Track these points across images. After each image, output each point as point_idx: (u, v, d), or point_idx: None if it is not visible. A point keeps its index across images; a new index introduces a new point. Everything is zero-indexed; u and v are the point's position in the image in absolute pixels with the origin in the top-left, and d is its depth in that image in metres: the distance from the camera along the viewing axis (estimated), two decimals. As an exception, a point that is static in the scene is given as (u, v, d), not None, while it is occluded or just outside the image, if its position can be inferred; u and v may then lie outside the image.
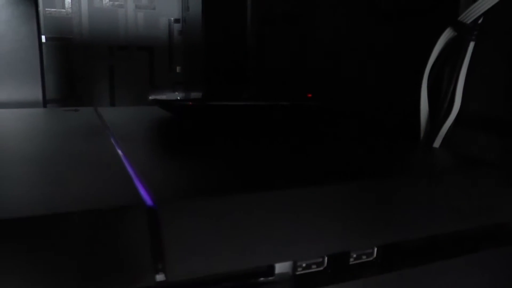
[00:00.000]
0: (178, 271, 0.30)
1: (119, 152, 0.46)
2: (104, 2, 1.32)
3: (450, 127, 0.49)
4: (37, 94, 0.88)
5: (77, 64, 1.32)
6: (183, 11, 1.36)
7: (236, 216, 0.32)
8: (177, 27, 1.38)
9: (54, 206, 0.30)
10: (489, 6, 0.44)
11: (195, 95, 0.68)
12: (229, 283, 0.33)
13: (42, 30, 1.16)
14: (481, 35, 0.46)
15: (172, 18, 1.38)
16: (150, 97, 0.68)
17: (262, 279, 0.34)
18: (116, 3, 1.33)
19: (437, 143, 0.50)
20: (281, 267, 0.35)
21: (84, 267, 0.29)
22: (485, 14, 0.45)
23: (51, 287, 0.28)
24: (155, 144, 0.54)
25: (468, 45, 0.46)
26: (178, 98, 0.67)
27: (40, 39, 0.84)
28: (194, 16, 1.21)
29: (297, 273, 0.35)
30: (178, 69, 1.39)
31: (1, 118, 0.68)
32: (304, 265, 0.35)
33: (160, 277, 0.30)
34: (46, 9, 1.27)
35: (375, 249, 0.38)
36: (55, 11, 1.29)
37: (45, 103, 0.92)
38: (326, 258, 0.36)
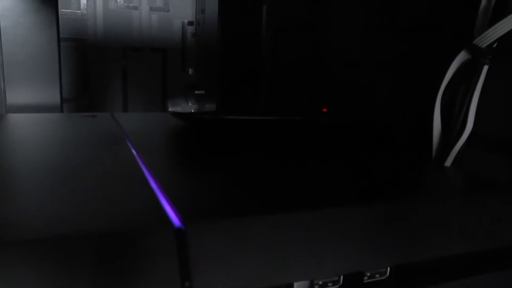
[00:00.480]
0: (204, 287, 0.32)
1: (141, 165, 0.48)
2: (119, 4, 1.34)
3: (462, 147, 0.50)
4: (55, 98, 0.90)
5: (91, 65, 1.35)
6: (197, 13, 1.38)
7: (259, 236, 0.34)
8: (190, 29, 1.40)
9: (82, 225, 0.32)
10: (504, 32, 0.45)
11: (209, 106, 0.70)
12: (250, 300, 0.34)
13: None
14: (495, 58, 0.48)
15: (186, 21, 1.39)
16: (169, 109, 0.70)
17: (281, 296, 0.36)
18: (131, 4, 1.35)
19: (448, 162, 0.51)
20: (299, 285, 0.36)
21: (112, 286, 0.30)
22: (500, 39, 0.46)
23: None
24: (175, 156, 0.56)
25: (482, 69, 0.48)
26: (192, 110, 0.69)
27: (59, 45, 0.86)
28: (208, 19, 1.23)
29: (314, 290, 0.37)
30: (190, 71, 1.40)
31: (21, 124, 0.71)
32: (320, 283, 0.37)
33: (187, 294, 0.32)
34: (62, 10, 1.29)
35: (388, 268, 0.40)
36: (70, 12, 1.31)
37: (61, 106, 0.94)
38: (341, 277, 0.38)
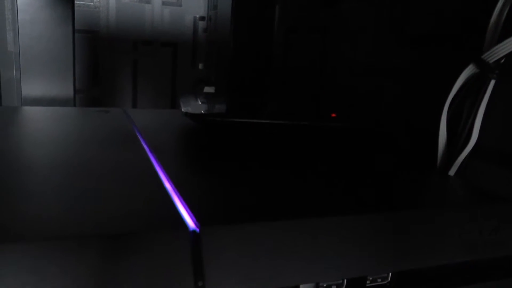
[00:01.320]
0: (216, 288, 0.34)
1: (156, 165, 0.50)
2: (131, -3, 1.35)
3: (466, 157, 0.52)
4: (69, 92, 0.92)
5: (102, 57, 1.36)
6: (208, 9, 1.39)
7: (268, 241, 0.36)
8: (202, 24, 1.41)
9: (99, 226, 0.33)
10: (512, 49, 0.46)
11: (219, 107, 0.72)
12: (259, 301, 0.36)
13: (72, 23, 1.20)
14: (502, 73, 0.49)
15: (198, 16, 1.41)
16: (182, 110, 0.72)
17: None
18: (143, -2, 1.36)
19: (452, 172, 0.53)
20: (304, 287, 0.38)
21: (128, 284, 0.32)
22: (508, 55, 0.47)
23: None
24: (188, 158, 0.58)
25: (489, 83, 0.49)
26: (202, 111, 0.71)
27: (73, 39, 0.88)
28: (220, 15, 1.24)
29: (319, 292, 0.39)
30: (200, 65, 1.42)
31: (35, 117, 0.73)
32: (325, 285, 0.39)
33: (199, 293, 0.34)
34: (76, 1, 1.30)
35: (390, 274, 0.42)
36: (83, 4, 1.32)
37: (74, 99, 0.96)
38: (345, 280, 0.40)
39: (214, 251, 0.34)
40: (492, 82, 0.49)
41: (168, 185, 0.43)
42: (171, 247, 0.33)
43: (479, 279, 0.44)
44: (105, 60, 1.37)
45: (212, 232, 0.34)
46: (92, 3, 1.33)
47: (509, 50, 0.47)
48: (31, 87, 0.88)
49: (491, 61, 0.48)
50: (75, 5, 1.30)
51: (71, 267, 0.30)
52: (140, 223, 0.34)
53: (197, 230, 0.34)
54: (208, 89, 0.81)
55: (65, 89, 0.91)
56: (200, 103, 0.73)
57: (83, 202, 0.37)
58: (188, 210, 0.37)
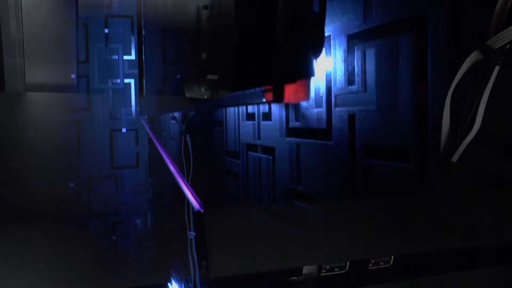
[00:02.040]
0: (219, 268, 0.35)
1: (160, 149, 0.50)
2: (134, -15, 1.34)
3: (469, 144, 0.52)
4: (72, 78, 0.92)
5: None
6: (211, -2, 1.38)
7: (271, 223, 0.36)
8: (205, 13, 1.40)
9: (107, 208, 0.34)
10: (517, 34, 0.46)
11: (222, 92, 0.72)
12: (262, 281, 0.37)
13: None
14: (507, 60, 0.49)
15: (201, 5, 1.40)
16: (186, 95, 0.72)
17: (292, 278, 0.38)
18: (146, -14, 1.35)
19: (455, 158, 0.53)
20: (308, 269, 0.39)
21: (137, 261, 0.33)
22: (513, 41, 0.47)
23: (110, 278, 0.32)
24: (191, 140, 0.58)
25: (493, 69, 0.49)
26: (206, 97, 0.72)
27: (77, 26, 0.88)
28: (224, 4, 1.23)
29: (322, 274, 0.39)
30: (203, 55, 1.41)
31: (43, 104, 0.73)
32: (328, 267, 0.40)
33: (203, 272, 0.35)
34: (79, -11, 1.30)
35: (392, 257, 0.42)
36: (87, -9, 1.32)
37: (78, 85, 0.96)
38: (348, 263, 0.40)
39: (218, 231, 0.35)
40: (497, 69, 0.49)
41: (173, 168, 0.44)
42: (175, 227, 0.34)
43: (481, 265, 0.44)
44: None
45: (216, 213, 0.35)
46: (95, -9, 1.32)
47: (515, 36, 0.46)
48: (35, 74, 0.88)
49: (496, 47, 0.48)
50: (78, -7, 1.30)
51: (80, 246, 0.31)
52: (145, 205, 0.35)
53: (201, 210, 0.35)
54: (211, 77, 0.81)
55: (69, 75, 0.91)
56: (203, 90, 0.73)
57: (88, 186, 0.38)
58: (192, 191, 0.38)
